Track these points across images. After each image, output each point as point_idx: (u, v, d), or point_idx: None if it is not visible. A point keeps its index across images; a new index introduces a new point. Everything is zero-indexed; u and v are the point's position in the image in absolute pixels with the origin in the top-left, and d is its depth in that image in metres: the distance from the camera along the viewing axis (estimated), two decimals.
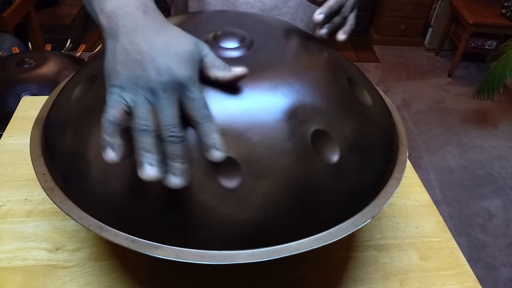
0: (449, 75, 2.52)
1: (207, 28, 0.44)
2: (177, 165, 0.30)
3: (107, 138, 0.30)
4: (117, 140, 0.30)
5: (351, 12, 0.48)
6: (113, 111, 0.30)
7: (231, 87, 0.36)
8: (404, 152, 0.44)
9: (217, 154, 0.31)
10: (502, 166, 1.92)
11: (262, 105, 0.37)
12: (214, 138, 0.31)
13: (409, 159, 0.50)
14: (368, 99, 0.44)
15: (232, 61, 0.41)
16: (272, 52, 0.43)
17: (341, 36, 0.47)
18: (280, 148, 0.35)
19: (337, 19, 0.46)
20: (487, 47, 2.46)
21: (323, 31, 0.45)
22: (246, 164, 0.34)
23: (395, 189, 0.40)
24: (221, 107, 0.36)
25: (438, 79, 2.50)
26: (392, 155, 0.43)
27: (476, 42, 2.43)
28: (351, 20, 0.48)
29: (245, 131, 0.35)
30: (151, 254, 0.34)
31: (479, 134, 2.10)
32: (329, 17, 0.45)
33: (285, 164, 0.35)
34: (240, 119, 0.36)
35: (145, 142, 0.30)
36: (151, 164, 0.30)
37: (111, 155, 0.30)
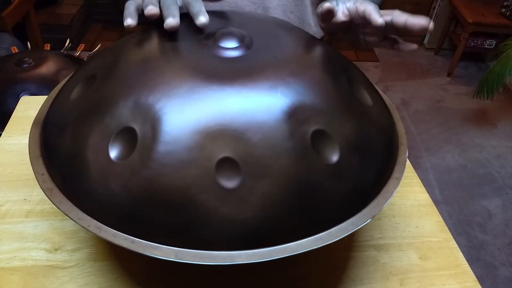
0: (449, 75, 2.52)
1: (207, 28, 0.44)
2: (170, 9, 0.42)
3: (127, 11, 0.43)
4: (134, 13, 0.43)
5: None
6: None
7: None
8: (404, 152, 0.44)
9: (201, 20, 0.42)
10: (501, 166, 1.92)
11: (261, 105, 0.37)
12: (198, 8, 0.42)
13: (408, 159, 0.50)
14: (367, 99, 0.44)
15: (232, 61, 0.41)
16: (272, 51, 0.43)
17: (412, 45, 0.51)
18: (280, 148, 0.35)
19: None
20: (487, 47, 2.47)
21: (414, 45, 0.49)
22: (246, 164, 0.34)
23: (395, 189, 0.40)
24: (221, 107, 0.36)
25: (437, 78, 2.50)
26: (392, 154, 0.43)
27: (475, 41, 2.43)
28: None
29: (244, 131, 0.35)
30: (150, 254, 0.34)
31: (479, 133, 2.11)
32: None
33: (285, 164, 0.35)
34: (239, 119, 0.35)
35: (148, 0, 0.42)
36: (150, 3, 0.42)
37: (129, 21, 0.42)
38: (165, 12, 0.42)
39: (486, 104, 2.21)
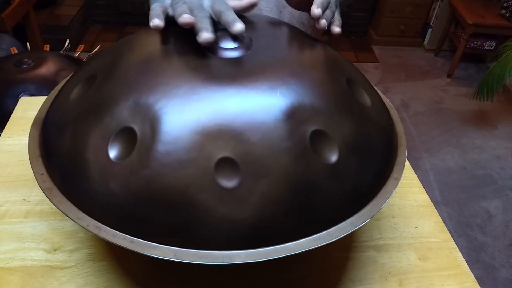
0: (449, 76, 2.52)
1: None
2: (204, 22, 0.41)
3: (153, 12, 0.43)
4: (161, 15, 0.43)
5: (336, 8, 0.51)
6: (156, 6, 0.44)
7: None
8: (402, 153, 0.44)
9: (238, 26, 0.40)
10: (501, 167, 1.92)
11: (261, 105, 0.37)
12: (233, 16, 0.41)
13: (408, 160, 0.50)
14: (367, 100, 0.44)
15: (231, 62, 0.41)
16: (271, 52, 0.43)
17: (336, 29, 0.50)
18: (279, 148, 0.35)
19: (328, 13, 0.49)
20: (487, 48, 2.47)
21: (323, 22, 0.48)
22: (245, 164, 0.34)
23: (394, 189, 0.40)
24: (221, 107, 0.36)
25: (437, 79, 2.51)
26: (391, 155, 0.43)
27: (475, 42, 2.44)
28: (337, 16, 0.51)
29: (244, 131, 0.35)
30: (149, 254, 0.34)
31: (479, 134, 2.11)
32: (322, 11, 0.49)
33: (284, 164, 0.35)
34: (239, 119, 0.36)
35: (181, 8, 0.42)
36: (184, 12, 0.41)
37: (158, 22, 0.41)
38: (199, 25, 0.40)
39: (486, 105, 2.21)
